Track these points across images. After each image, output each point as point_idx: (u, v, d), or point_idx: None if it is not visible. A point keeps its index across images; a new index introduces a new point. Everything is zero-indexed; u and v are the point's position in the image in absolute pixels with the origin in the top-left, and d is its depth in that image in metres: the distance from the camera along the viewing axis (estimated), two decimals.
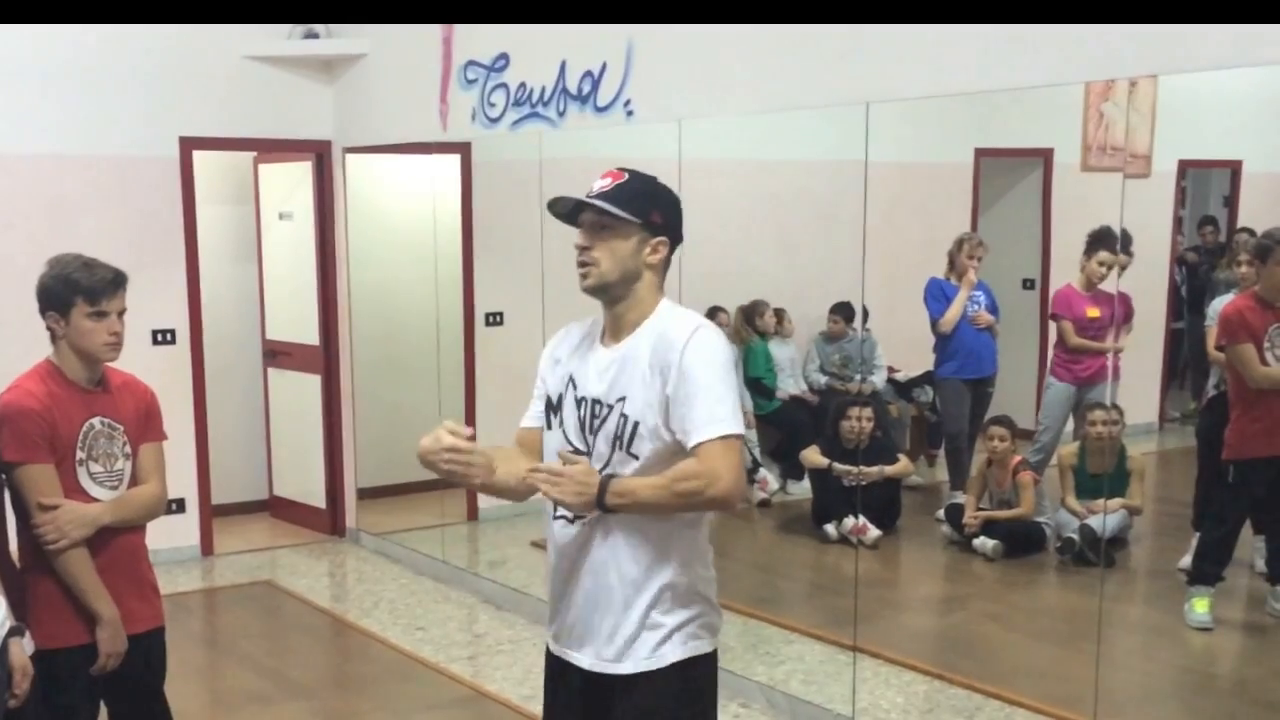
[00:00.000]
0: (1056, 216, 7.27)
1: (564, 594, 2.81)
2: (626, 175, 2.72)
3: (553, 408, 2.82)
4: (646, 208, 2.69)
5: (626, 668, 2.73)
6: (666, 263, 2.75)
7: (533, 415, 2.89)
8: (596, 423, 2.71)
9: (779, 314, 7.95)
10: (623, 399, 2.67)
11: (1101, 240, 6.61)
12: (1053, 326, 6.71)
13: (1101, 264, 6.56)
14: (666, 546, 2.71)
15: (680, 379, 2.59)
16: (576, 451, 2.71)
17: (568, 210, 2.73)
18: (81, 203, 6.93)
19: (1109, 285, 6.44)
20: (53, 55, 6.81)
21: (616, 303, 2.72)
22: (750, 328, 7.82)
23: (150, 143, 7.15)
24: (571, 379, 2.78)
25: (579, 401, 2.75)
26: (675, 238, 2.76)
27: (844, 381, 7.84)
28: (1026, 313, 7.24)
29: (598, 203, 2.66)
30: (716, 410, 2.57)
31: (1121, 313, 6.59)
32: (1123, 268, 6.48)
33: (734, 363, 2.72)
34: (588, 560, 2.74)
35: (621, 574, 2.71)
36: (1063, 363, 6.72)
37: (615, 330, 2.75)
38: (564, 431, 2.77)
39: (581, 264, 2.69)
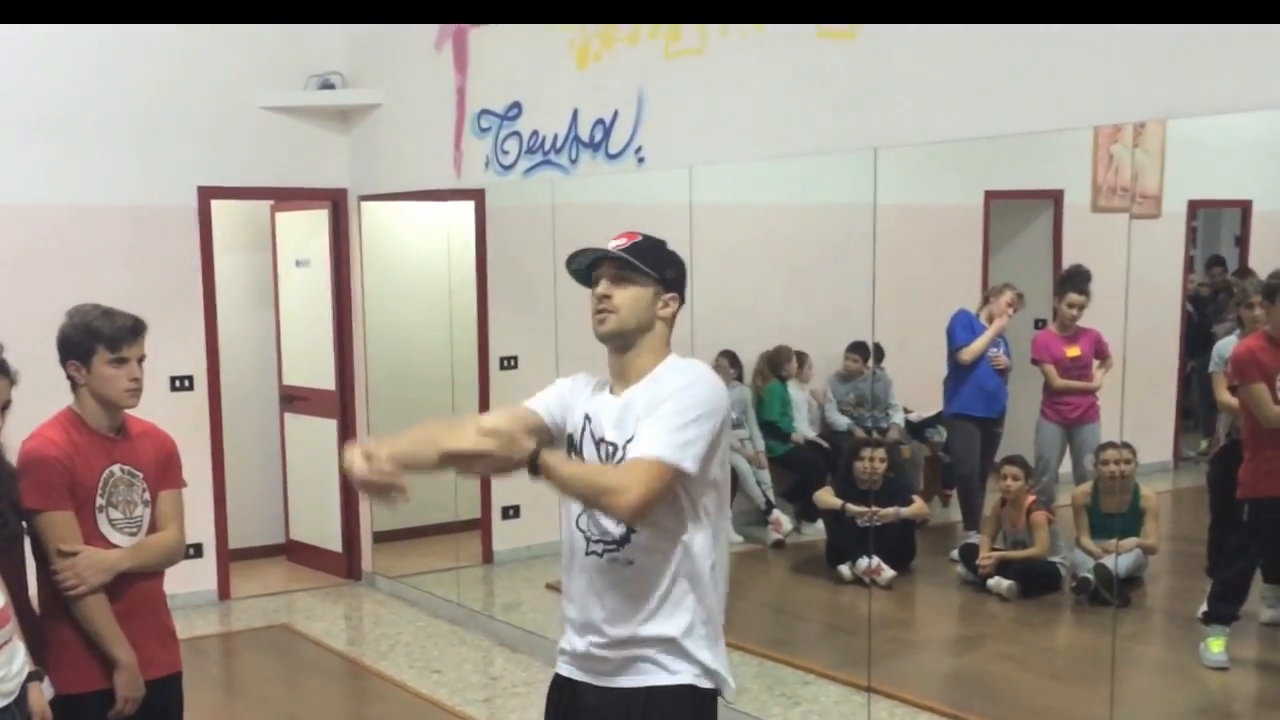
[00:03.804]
0: (1068, 257, 7.29)
1: (582, 622, 2.85)
2: (640, 236, 2.86)
3: (573, 447, 2.89)
4: (661, 264, 2.83)
5: (638, 682, 2.77)
6: (674, 319, 2.88)
7: (539, 401, 2.94)
8: (613, 462, 2.78)
9: (800, 358, 8.00)
10: (631, 439, 2.74)
11: (1070, 281, 6.70)
12: None
13: (1071, 305, 6.66)
14: (686, 584, 2.77)
15: (659, 402, 2.71)
16: None
17: (585, 265, 2.86)
18: (102, 252, 7.02)
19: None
20: (73, 107, 6.92)
21: (626, 350, 2.83)
22: (771, 372, 7.88)
23: (169, 192, 7.24)
24: (588, 417, 2.86)
25: (598, 443, 2.83)
26: (682, 296, 2.90)
27: (860, 422, 7.86)
28: None
29: (621, 255, 2.79)
30: (667, 436, 2.64)
31: (1093, 350, 6.66)
32: (1081, 308, 6.60)
33: (723, 409, 2.75)
34: (609, 592, 2.79)
35: (640, 607, 2.76)
36: (1050, 404, 6.80)
37: (622, 377, 2.85)
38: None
39: (600, 310, 2.80)
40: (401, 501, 2.64)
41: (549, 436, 2.92)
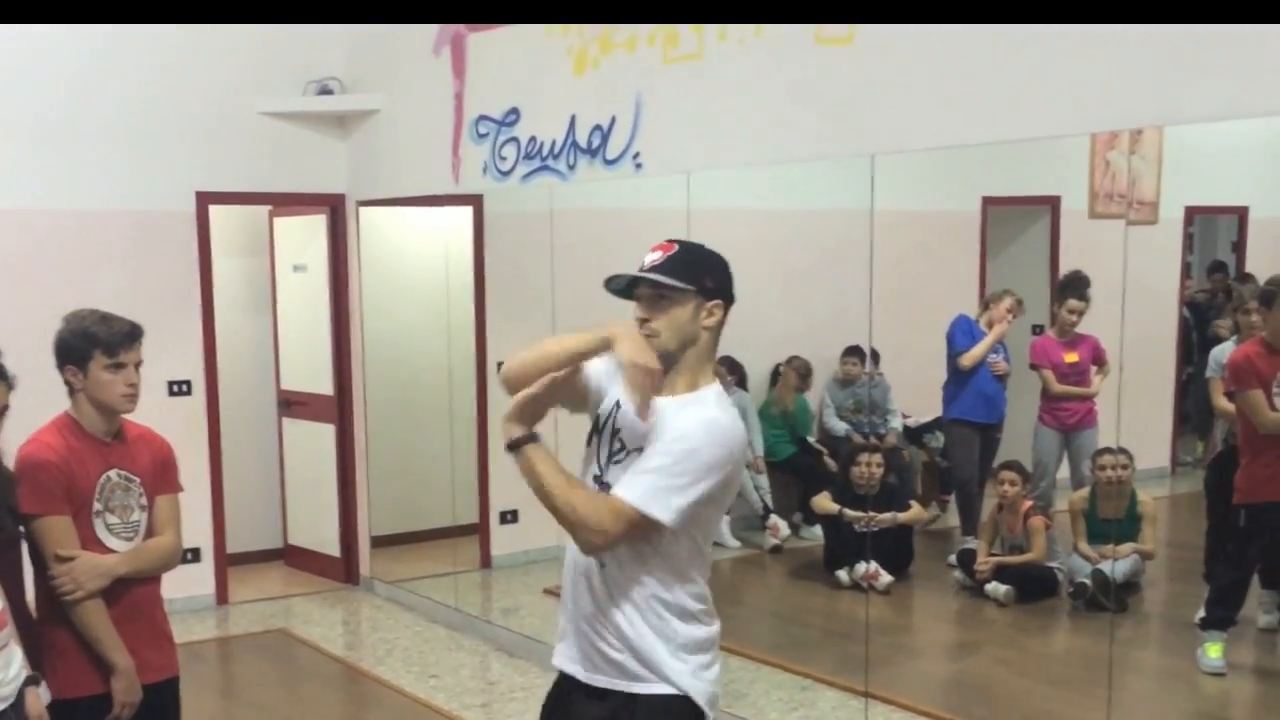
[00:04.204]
0: (1065, 263, 7.31)
1: (574, 618, 2.85)
2: (676, 246, 2.79)
3: (597, 428, 2.88)
4: (699, 274, 2.76)
5: (624, 688, 2.76)
6: (721, 325, 2.82)
7: (592, 364, 2.90)
8: (615, 459, 2.78)
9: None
10: (639, 450, 2.73)
11: (1070, 286, 6.72)
12: None
13: (1071, 311, 6.67)
14: (660, 599, 2.75)
15: (665, 440, 2.66)
16: (597, 480, 2.80)
17: (623, 286, 2.80)
18: (100, 257, 7.02)
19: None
20: (72, 112, 6.93)
21: (669, 367, 2.77)
22: (801, 383, 7.92)
23: (167, 197, 7.25)
24: (619, 404, 2.83)
25: (614, 432, 2.81)
26: (728, 299, 2.82)
27: (858, 428, 7.88)
28: None
29: (653, 276, 2.73)
30: (656, 482, 2.62)
31: (1092, 356, 6.69)
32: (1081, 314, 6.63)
33: (730, 462, 2.70)
34: (586, 587, 2.79)
35: (611, 611, 2.76)
36: (1048, 409, 6.82)
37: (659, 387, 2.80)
38: (597, 455, 2.84)
39: (643, 335, 2.75)
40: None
41: (581, 394, 2.90)
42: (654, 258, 2.76)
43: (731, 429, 2.72)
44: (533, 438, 2.65)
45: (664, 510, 2.62)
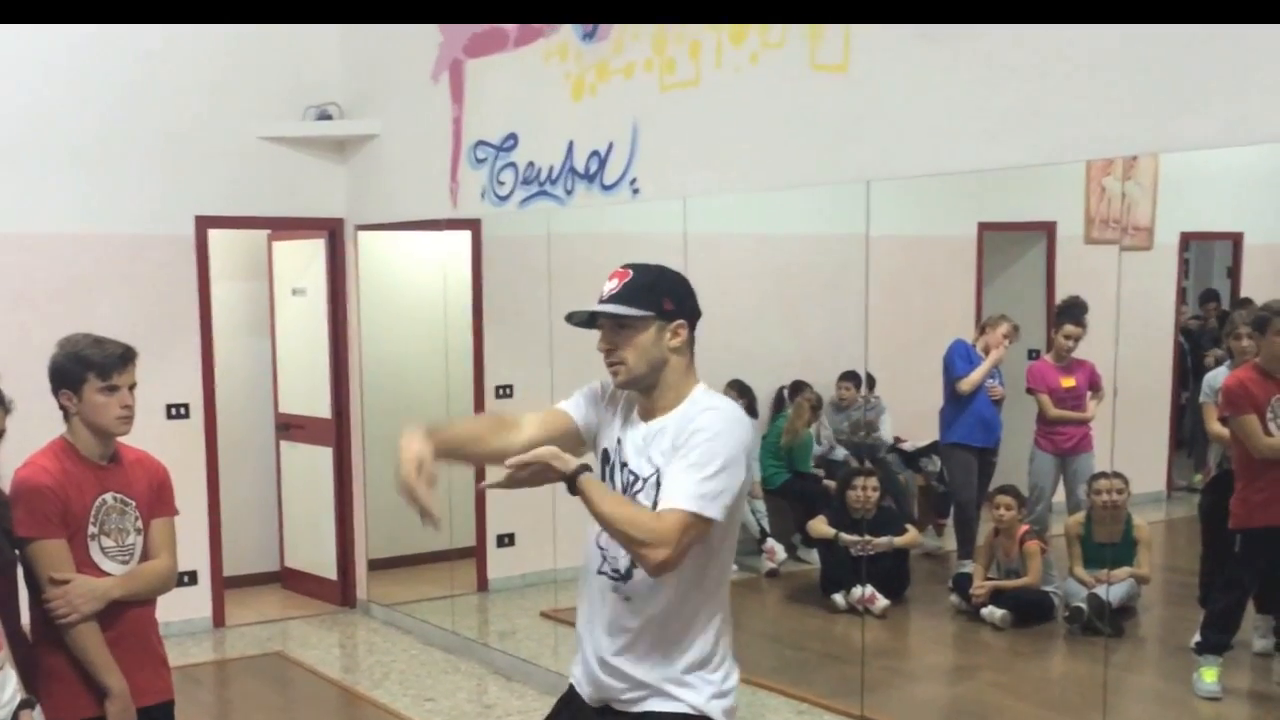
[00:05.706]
0: (1061, 289, 7.33)
1: (592, 642, 2.87)
2: (632, 272, 2.80)
3: (606, 460, 2.90)
4: (657, 298, 2.77)
5: (639, 707, 2.80)
6: (690, 342, 2.83)
7: (572, 404, 2.96)
8: (634, 490, 2.80)
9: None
10: (655, 472, 2.75)
11: (1067, 312, 6.75)
12: None
13: (1067, 336, 6.71)
14: (696, 620, 2.79)
15: (684, 444, 2.68)
16: None
17: (584, 320, 2.82)
18: (98, 280, 7.04)
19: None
20: (71, 135, 6.96)
21: (650, 390, 2.81)
22: (813, 411, 7.92)
23: (166, 221, 7.27)
24: (620, 441, 2.87)
25: (621, 466, 2.84)
26: (691, 317, 2.83)
27: (855, 452, 7.88)
28: None
29: (608, 308, 2.75)
30: (700, 486, 2.63)
31: (1088, 381, 6.71)
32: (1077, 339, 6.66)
33: (746, 451, 2.74)
34: (608, 618, 2.82)
35: (633, 643, 2.79)
36: (1044, 434, 6.84)
37: (649, 411, 2.84)
38: (614, 489, 2.85)
39: (609, 364, 2.79)
40: (430, 525, 2.65)
41: (578, 440, 2.93)
42: (610, 286, 2.78)
43: (733, 413, 2.77)
44: (584, 469, 2.67)
45: (712, 506, 2.64)
